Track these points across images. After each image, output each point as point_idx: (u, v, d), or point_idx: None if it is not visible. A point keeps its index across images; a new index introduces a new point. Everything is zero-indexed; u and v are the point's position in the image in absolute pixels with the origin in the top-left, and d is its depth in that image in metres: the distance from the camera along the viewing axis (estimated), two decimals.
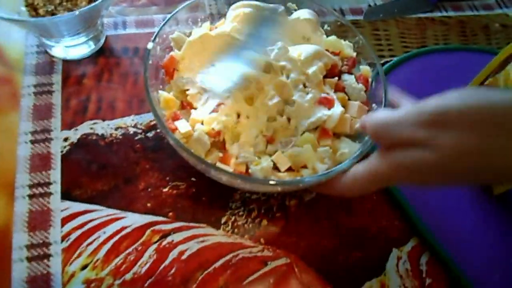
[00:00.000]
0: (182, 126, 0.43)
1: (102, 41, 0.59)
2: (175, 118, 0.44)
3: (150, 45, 0.46)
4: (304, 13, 0.50)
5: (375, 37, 0.66)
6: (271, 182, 0.41)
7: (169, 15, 0.62)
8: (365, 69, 0.49)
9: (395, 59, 0.63)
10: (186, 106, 0.47)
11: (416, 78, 0.61)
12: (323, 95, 0.46)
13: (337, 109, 0.45)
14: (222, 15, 0.54)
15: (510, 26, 0.71)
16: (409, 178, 0.37)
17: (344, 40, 0.52)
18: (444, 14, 0.71)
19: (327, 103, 0.45)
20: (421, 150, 0.34)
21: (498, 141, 0.32)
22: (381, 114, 0.39)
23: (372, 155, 0.39)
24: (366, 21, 0.67)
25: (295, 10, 0.53)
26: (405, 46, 0.66)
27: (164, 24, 0.48)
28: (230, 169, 0.43)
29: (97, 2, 0.48)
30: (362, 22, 0.67)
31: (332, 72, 0.48)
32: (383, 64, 0.62)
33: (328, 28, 0.53)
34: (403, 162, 0.36)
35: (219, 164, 0.43)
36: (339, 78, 0.49)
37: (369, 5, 0.69)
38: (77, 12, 0.47)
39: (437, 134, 0.34)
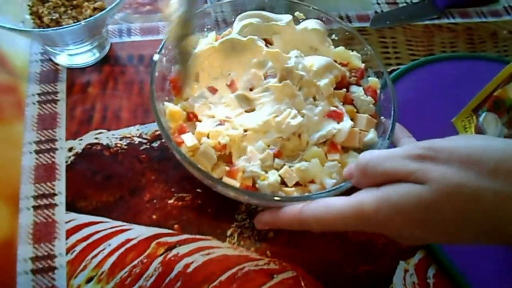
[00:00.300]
0: (189, 139, 0.43)
1: (107, 48, 0.58)
2: (182, 131, 0.44)
3: (156, 57, 0.45)
4: (312, 23, 0.50)
5: (382, 44, 0.65)
6: (279, 198, 0.40)
7: None
8: (373, 80, 0.49)
9: (402, 67, 0.62)
10: (192, 118, 0.46)
11: (423, 86, 0.61)
12: (332, 108, 0.45)
13: (347, 123, 0.44)
14: (228, 23, 0.54)
15: None
16: (398, 218, 0.34)
17: (352, 51, 0.51)
18: (452, 21, 0.70)
19: (337, 117, 0.44)
20: (410, 184, 0.33)
21: (489, 183, 0.31)
22: (372, 151, 0.38)
23: (358, 192, 0.37)
24: (373, 28, 0.67)
25: (303, 19, 0.53)
26: (412, 54, 0.65)
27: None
28: (237, 183, 0.42)
29: (102, 12, 0.48)
30: (369, 29, 0.67)
31: (341, 84, 0.48)
32: (390, 73, 0.62)
33: (336, 38, 0.53)
34: (390, 197, 0.34)
35: (225, 179, 0.43)
36: (347, 90, 0.48)
37: (376, 12, 0.69)
38: (83, 23, 0.46)
39: (427, 166, 0.33)
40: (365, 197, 0.35)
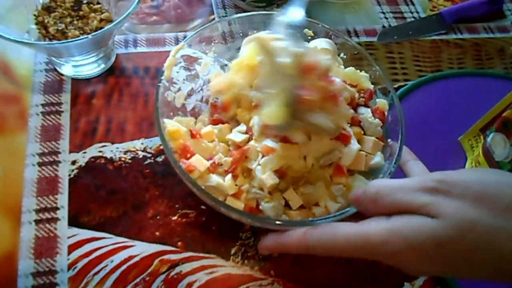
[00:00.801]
0: (199, 164, 0.41)
1: (113, 59, 0.57)
2: (185, 150, 0.43)
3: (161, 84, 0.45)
4: (322, 43, 0.49)
5: (389, 60, 0.65)
6: (282, 223, 0.40)
7: (180, 35, 0.62)
8: (381, 102, 0.48)
9: (409, 83, 0.62)
10: (195, 135, 0.45)
11: (430, 103, 0.61)
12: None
13: (354, 146, 0.43)
14: (236, 37, 0.53)
15: None
16: (407, 251, 0.33)
17: (360, 71, 0.50)
18: (459, 36, 0.70)
19: (344, 140, 0.44)
20: (422, 217, 0.33)
21: (503, 222, 0.30)
22: (383, 180, 0.38)
23: (366, 220, 0.36)
24: (380, 43, 0.66)
25: (311, 36, 0.52)
26: (419, 70, 0.65)
27: (175, 54, 0.47)
28: (241, 204, 0.42)
29: (110, 26, 0.47)
30: (376, 44, 0.66)
31: (349, 106, 0.47)
32: (397, 89, 0.61)
33: (344, 56, 0.52)
34: (400, 229, 0.33)
35: (229, 199, 0.42)
36: (355, 111, 0.47)
37: (383, 26, 0.68)
38: (90, 36, 0.46)
39: (439, 200, 0.32)
40: (374, 227, 0.34)
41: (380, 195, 0.35)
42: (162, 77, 0.46)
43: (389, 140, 0.47)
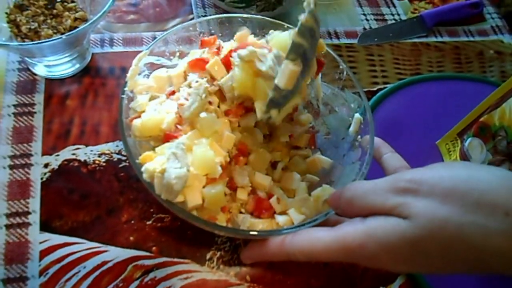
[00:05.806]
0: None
1: (88, 59, 0.56)
2: None
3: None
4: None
5: (369, 62, 0.65)
6: (252, 233, 0.39)
7: (158, 34, 0.60)
8: (357, 118, 0.47)
9: (388, 86, 0.62)
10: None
11: (409, 106, 0.61)
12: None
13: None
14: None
15: (505, 53, 0.71)
16: (383, 254, 0.33)
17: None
18: (439, 39, 0.70)
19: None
20: (395, 219, 0.33)
21: (473, 217, 0.30)
22: (357, 183, 0.38)
23: (342, 224, 0.36)
24: (361, 45, 0.66)
25: None
26: (399, 73, 0.65)
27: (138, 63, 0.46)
28: None
29: (84, 26, 0.46)
30: (357, 46, 0.66)
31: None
32: (376, 92, 0.61)
33: None
34: (375, 232, 0.33)
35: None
36: None
37: (364, 28, 0.68)
38: (63, 37, 0.44)
39: (409, 201, 0.32)
40: (350, 232, 0.35)
41: (355, 198, 0.36)
42: (126, 88, 0.44)
43: (359, 137, 0.47)
